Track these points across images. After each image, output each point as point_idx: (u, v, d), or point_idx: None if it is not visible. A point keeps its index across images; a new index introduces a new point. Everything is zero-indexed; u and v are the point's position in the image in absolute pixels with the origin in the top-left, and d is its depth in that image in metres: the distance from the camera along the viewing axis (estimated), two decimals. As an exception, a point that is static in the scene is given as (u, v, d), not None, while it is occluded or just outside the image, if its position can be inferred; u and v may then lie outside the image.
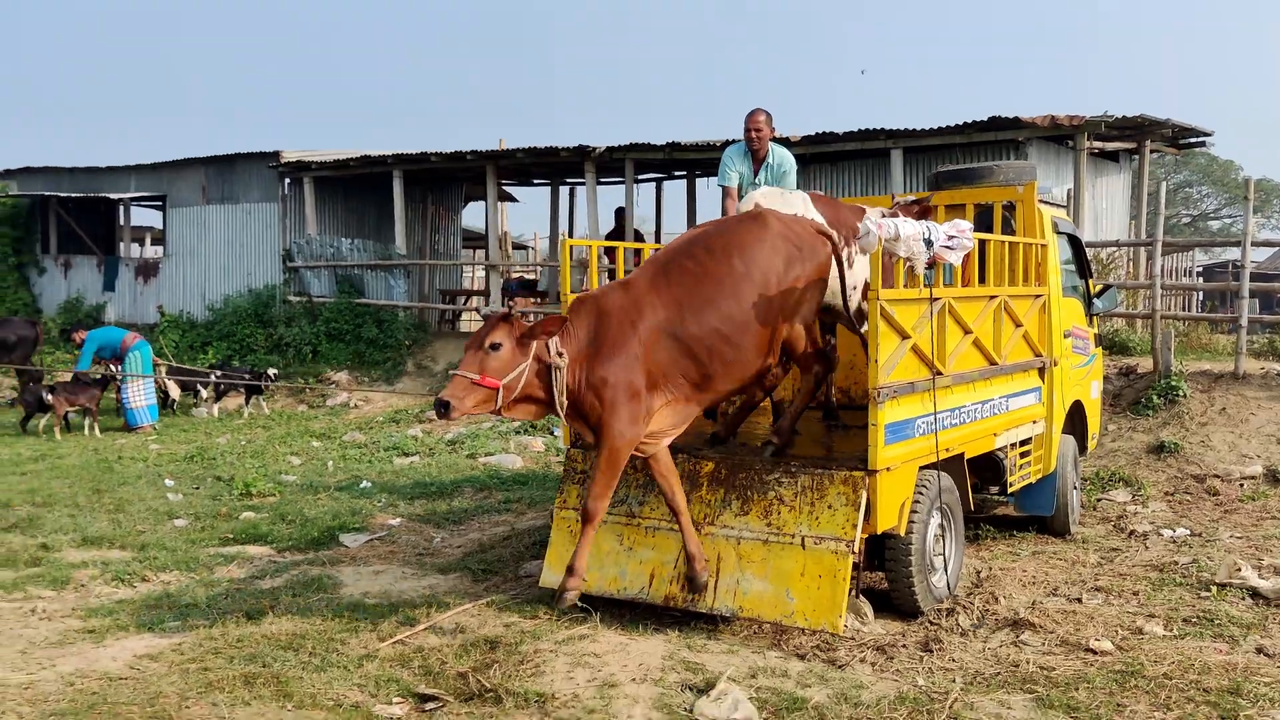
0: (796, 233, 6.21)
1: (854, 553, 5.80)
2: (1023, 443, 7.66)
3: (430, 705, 5.05)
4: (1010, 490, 7.71)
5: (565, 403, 5.75)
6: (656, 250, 6.30)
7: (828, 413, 7.84)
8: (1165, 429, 11.19)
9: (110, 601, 6.82)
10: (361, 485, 10.59)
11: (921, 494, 6.29)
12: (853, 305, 6.76)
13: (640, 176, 19.78)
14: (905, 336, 6.07)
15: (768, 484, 6.13)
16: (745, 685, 5.25)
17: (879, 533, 6.02)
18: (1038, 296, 7.73)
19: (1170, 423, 11.28)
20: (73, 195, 22.07)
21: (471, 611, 6.40)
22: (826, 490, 5.94)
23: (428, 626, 6.14)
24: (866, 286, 6.91)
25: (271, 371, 16.44)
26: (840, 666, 5.58)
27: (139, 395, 14.59)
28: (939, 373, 6.35)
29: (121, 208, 22.71)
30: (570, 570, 5.83)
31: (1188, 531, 8.64)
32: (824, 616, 5.74)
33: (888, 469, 5.90)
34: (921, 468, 6.30)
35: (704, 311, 5.87)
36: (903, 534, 6.15)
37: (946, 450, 6.48)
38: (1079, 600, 6.73)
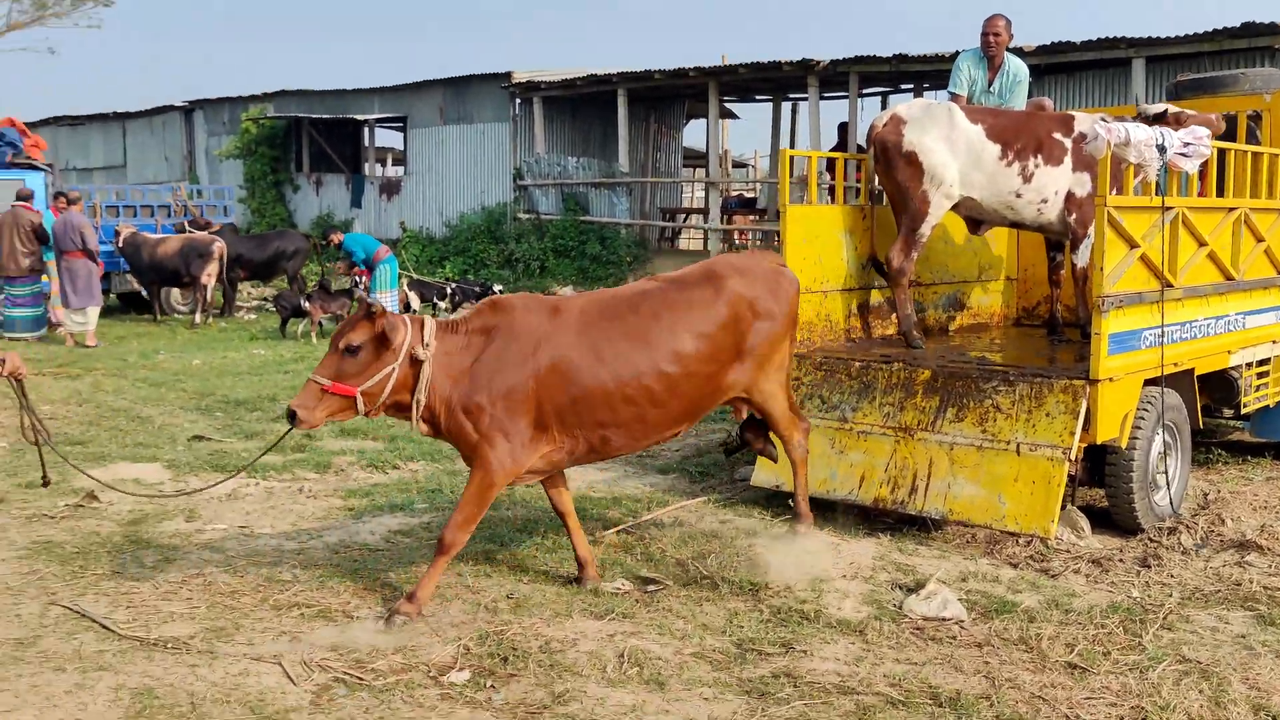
0: (756, 288, 5.52)
1: (1070, 461, 5.80)
2: (1260, 363, 7.36)
3: (652, 587, 5.42)
4: (1244, 412, 7.44)
5: (422, 401, 4.99)
6: (608, 290, 5.68)
7: (1052, 328, 7.78)
8: None
9: (366, 485, 7.52)
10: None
11: (1146, 408, 6.18)
12: (1048, 216, 6.65)
13: (865, 90, 19.46)
14: (1133, 246, 5.95)
15: (984, 392, 6.18)
16: (955, 587, 5.38)
17: (1099, 443, 5.99)
18: (1285, 210, 7.35)
19: None
20: (323, 117, 23.49)
21: (690, 508, 6.76)
22: (1045, 399, 5.95)
23: (649, 519, 6.54)
24: (1070, 197, 6.83)
25: (497, 288, 17.29)
26: (1053, 576, 5.63)
27: (385, 304, 15.61)
28: (1169, 285, 6.19)
29: (366, 128, 24.04)
30: (410, 597, 5.00)
31: None
32: (1035, 521, 5.79)
33: (1110, 379, 5.84)
34: (1147, 382, 6.19)
35: (616, 365, 5.14)
36: (1124, 448, 6.09)
37: (1174, 365, 6.34)
38: (1314, 526, 6.49)
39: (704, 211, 21.06)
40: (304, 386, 4.92)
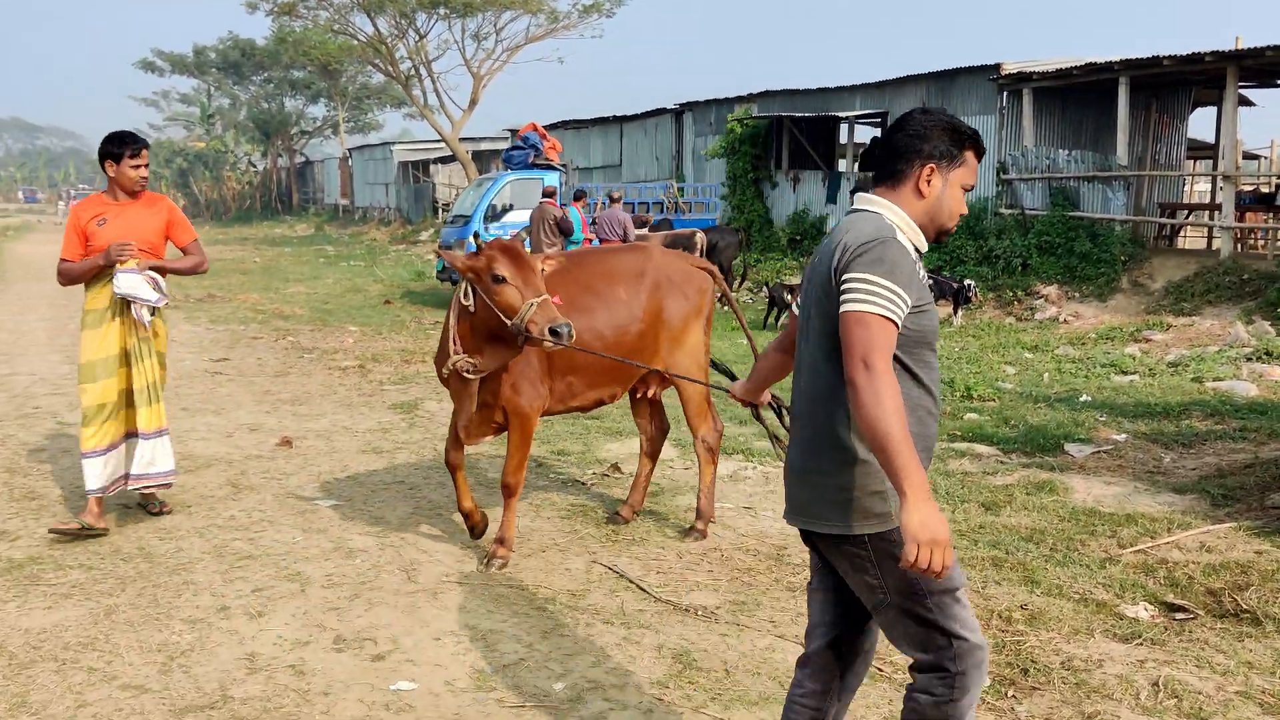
0: (673, 268, 6.22)
1: None
2: None
3: (1180, 615, 5.04)
4: None
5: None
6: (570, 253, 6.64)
7: None
8: None
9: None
10: (1081, 399, 10.54)
11: None
12: None
13: None
14: None
15: None
16: None
17: None
18: None
19: None
20: (805, 115, 24.02)
21: (1217, 533, 6.20)
22: None
23: (1171, 541, 6.08)
24: None
25: (968, 282, 16.86)
26: None
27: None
28: None
29: (845, 125, 24.29)
30: (500, 541, 5.70)
31: None
32: None
33: None
34: None
35: (577, 320, 5.67)
36: None
37: None
38: None
39: (1213, 207, 19.19)
40: None
